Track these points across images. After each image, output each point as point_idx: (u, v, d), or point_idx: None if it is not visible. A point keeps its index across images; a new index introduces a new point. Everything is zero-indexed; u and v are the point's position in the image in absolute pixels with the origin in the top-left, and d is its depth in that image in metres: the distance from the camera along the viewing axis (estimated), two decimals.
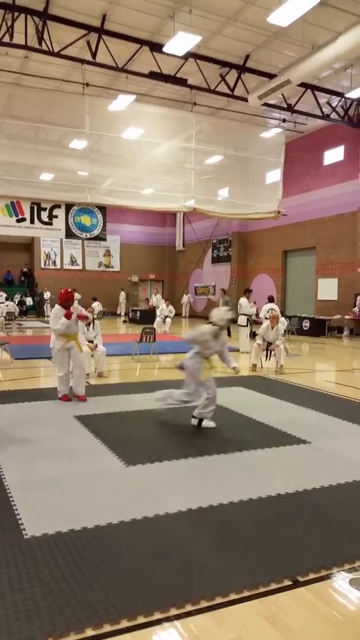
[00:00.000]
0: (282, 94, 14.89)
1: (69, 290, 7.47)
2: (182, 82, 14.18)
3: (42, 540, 3.29)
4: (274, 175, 15.33)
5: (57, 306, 7.42)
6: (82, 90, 12.76)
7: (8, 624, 2.49)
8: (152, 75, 13.76)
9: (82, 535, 3.36)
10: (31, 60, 14.10)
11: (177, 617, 2.59)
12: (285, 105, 15.75)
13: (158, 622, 2.56)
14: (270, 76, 14.33)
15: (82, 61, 12.78)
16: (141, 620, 2.56)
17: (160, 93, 15.28)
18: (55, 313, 7.37)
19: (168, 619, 2.57)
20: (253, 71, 14.18)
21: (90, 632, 2.46)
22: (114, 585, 2.83)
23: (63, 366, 7.37)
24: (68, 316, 7.20)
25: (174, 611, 2.63)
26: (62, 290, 7.48)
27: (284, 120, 16.01)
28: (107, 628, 2.49)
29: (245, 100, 14.71)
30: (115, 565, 3.04)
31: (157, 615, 2.59)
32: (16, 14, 11.67)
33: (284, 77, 13.56)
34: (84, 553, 3.14)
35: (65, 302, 7.36)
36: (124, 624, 2.52)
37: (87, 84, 12.79)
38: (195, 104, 14.04)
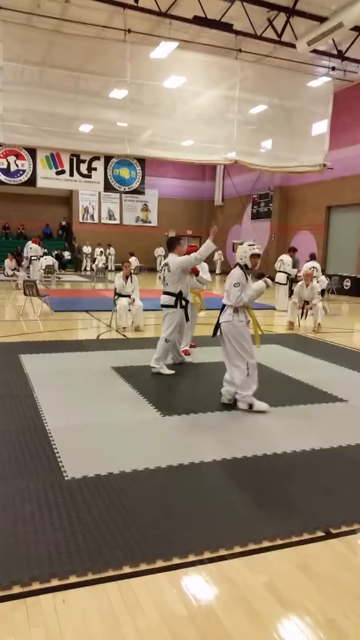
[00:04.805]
0: (333, 40, 14.08)
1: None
2: (227, 27, 13.53)
3: (82, 482, 3.42)
4: (321, 127, 14.69)
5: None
6: (123, 37, 12.38)
7: (50, 558, 2.62)
8: (196, 20, 13.17)
9: (121, 479, 3.47)
10: (72, 5, 13.69)
11: (211, 560, 2.68)
12: (336, 52, 14.93)
13: (192, 564, 2.65)
14: (321, 19, 13.52)
15: (124, 5, 12.32)
16: (176, 561, 2.65)
17: (204, 39, 14.66)
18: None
19: (202, 562, 2.66)
20: (303, 14, 13.40)
21: (127, 569, 2.57)
22: (151, 527, 2.93)
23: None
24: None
25: (207, 554, 2.71)
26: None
27: (333, 69, 15.20)
28: (144, 567, 2.60)
29: (293, 46, 13.99)
30: (152, 508, 3.14)
31: (192, 558, 2.68)
32: None
33: (336, 20, 12.77)
34: (122, 496, 3.25)
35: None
36: (160, 564, 2.62)
37: (129, 31, 12.37)
38: (240, 50, 13.45)
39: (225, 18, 13.31)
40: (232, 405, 5.13)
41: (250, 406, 5.00)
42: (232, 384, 5.12)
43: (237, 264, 5.08)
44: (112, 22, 13.92)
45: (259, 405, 5.03)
